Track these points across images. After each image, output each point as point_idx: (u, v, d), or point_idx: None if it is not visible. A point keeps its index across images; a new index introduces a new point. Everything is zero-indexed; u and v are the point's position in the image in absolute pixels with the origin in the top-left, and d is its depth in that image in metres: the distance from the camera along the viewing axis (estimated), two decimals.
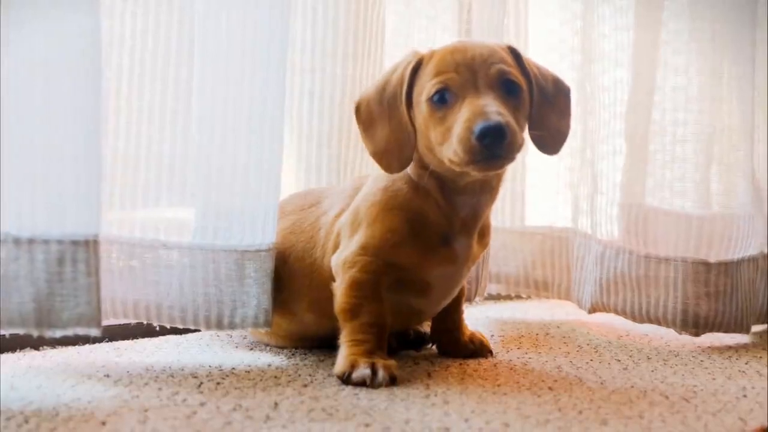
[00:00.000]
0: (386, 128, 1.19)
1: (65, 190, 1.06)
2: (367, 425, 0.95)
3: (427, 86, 1.15)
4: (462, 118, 1.10)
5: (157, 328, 1.32)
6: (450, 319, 1.34)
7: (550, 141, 1.23)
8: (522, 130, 1.16)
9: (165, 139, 1.26)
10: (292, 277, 1.27)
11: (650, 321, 1.53)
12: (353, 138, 1.52)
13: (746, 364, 1.34)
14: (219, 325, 1.24)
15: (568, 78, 1.66)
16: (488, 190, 1.22)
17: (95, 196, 1.09)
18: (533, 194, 1.78)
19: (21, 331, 1.06)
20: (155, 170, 1.26)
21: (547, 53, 1.75)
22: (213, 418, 0.97)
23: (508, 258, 1.72)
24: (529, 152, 1.74)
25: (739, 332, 1.52)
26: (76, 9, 1.06)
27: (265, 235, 1.25)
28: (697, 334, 1.51)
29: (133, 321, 1.26)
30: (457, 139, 1.10)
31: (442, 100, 1.14)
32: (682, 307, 1.49)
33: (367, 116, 1.21)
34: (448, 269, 1.22)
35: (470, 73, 1.13)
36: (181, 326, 1.26)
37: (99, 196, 1.10)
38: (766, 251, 1.62)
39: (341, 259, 1.21)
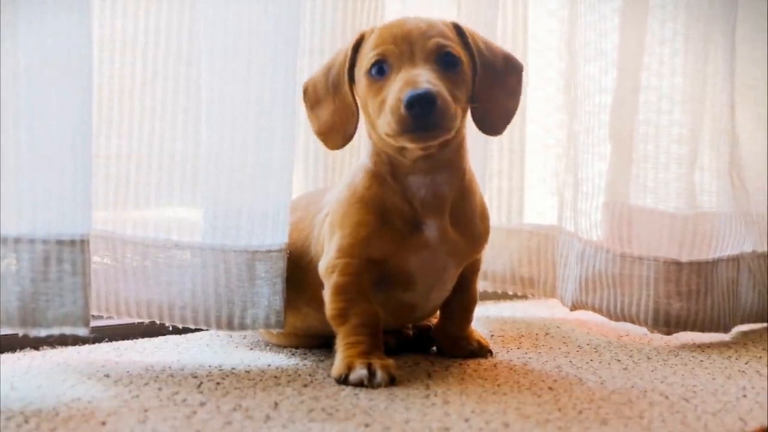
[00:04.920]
0: (330, 107, 1.22)
1: (52, 189, 1.07)
2: (367, 425, 0.95)
3: (365, 59, 1.17)
4: (394, 89, 1.11)
5: (158, 326, 1.32)
6: (454, 322, 1.33)
7: (495, 119, 1.23)
8: (460, 103, 1.15)
9: (177, 138, 1.27)
10: (295, 272, 1.27)
11: (625, 319, 1.53)
12: None
13: (746, 364, 1.34)
14: (230, 326, 1.25)
15: (565, 77, 1.68)
16: (443, 168, 1.20)
17: (83, 196, 1.09)
18: (525, 193, 1.77)
19: (6, 330, 1.07)
20: (167, 169, 1.27)
21: (544, 51, 1.75)
22: (213, 418, 0.97)
23: (495, 255, 1.72)
24: (527, 152, 1.77)
25: (716, 332, 1.52)
26: (64, 8, 1.06)
27: (275, 235, 1.25)
28: (668, 333, 1.51)
29: (146, 320, 1.27)
30: (389, 109, 1.11)
31: (380, 72, 1.15)
32: (654, 306, 1.50)
33: (313, 97, 1.24)
34: (424, 256, 1.20)
35: (407, 45, 1.14)
36: (192, 326, 1.26)
37: (88, 197, 1.10)
38: (761, 250, 1.62)
39: (323, 266, 1.21)
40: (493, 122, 1.24)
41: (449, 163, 1.21)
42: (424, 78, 1.10)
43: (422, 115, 1.08)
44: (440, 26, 1.18)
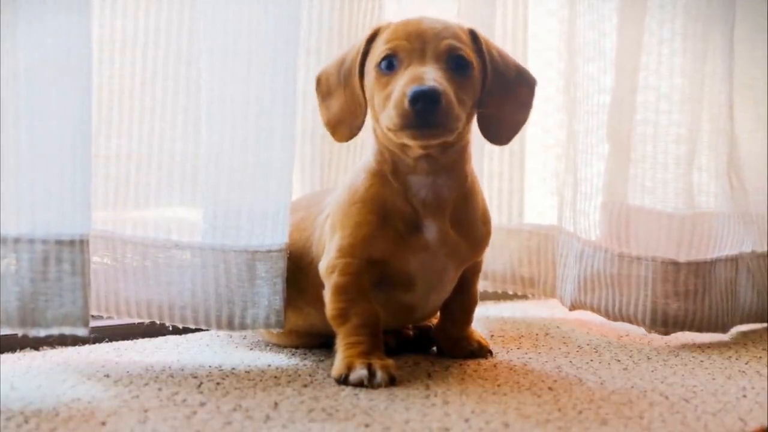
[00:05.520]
0: (341, 98, 1.22)
1: (52, 189, 1.07)
2: (367, 425, 0.96)
3: (377, 53, 1.17)
4: (400, 83, 1.11)
5: (158, 326, 1.32)
6: (455, 323, 1.33)
7: (502, 129, 1.24)
8: (465, 107, 1.16)
9: (176, 138, 1.27)
10: (296, 272, 1.28)
11: (623, 319, 1.53)
12: None
13: (746, 364, 1.34)
14: (230, 326, 1.25)
15: (564, 77, 1.67)
16: (445, 170, 1.20)
17: (83, 196, 1.09)
18: (526, 193, 1.77)
19: (6, 330, 1.07)
20: (167, 169, 1.27)
21: (544, 51, 1.75)
22: (213, 418, 0.97)
23: (495, 255, 1.72)
24: (527, 152, 1.77)
25: (714, 332, 1.53)
26: (64, 8, 1.06)
27: (275, 235, 1.25)
28: (666, 333, 1.51)
29: (146, 320, 1.27)
30: (393, 103, 1.11)
31: (390, 66, 1.15)
32: (651, 306, 1.50)
33: (325, 88, 1.25)
34: (424, 257, 1.20)
35: (420, 42, 1.15)
36: (192, 326, 1.27)
37: (88, 197, 1.10)
38: (760, 250, 1.63)
39: (324, 266, 1.21)
40: (499, 131, 1.24)
41: (451, 165, 1.21)
42: (431, 76, 1.10)
43: (424, 112, 1.08)
44: (455, 29, 1.18)
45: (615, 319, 1.54)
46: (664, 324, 1.50)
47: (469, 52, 1.17)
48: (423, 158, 1.18)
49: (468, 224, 1.24)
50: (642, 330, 1.54)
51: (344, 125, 1.22)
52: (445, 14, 1.57)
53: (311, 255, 1.27)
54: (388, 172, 1.21)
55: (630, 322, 1.53)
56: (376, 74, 1.16)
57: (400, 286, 1.23)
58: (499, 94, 1.21)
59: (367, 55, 1.20)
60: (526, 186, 1.76)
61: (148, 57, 1.27)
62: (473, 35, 1.21)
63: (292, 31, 1.25)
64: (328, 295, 1.20)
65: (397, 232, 1.19)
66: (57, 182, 1.07)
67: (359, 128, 1.21)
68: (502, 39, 1.68)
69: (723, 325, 1.54)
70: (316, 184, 1.52)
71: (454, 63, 1.15)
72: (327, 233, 1.24)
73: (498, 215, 1.73)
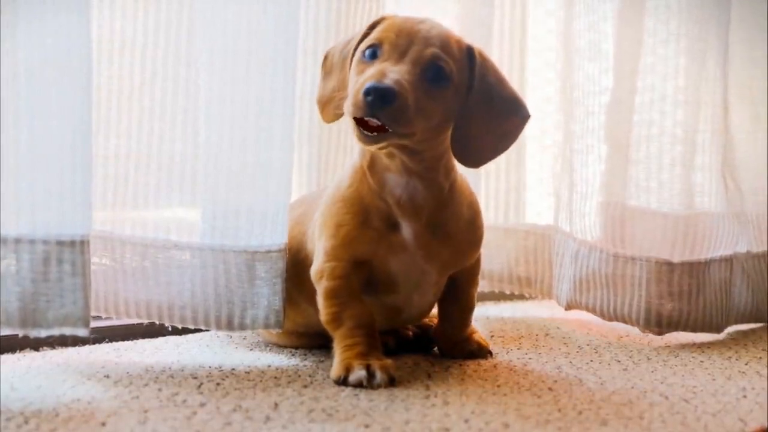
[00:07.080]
0: (336, 79, 1.22)
1: (52, 189, 1.06)
2: (366, 426, 0.95)
3: (367, 40, 1.16)
4: (367, 73, 1.11)
5: (158, 326, 1.33)
6: (453, 324, 1.33)
7: (473, 152, 1.20)
8: (431, 118, 1.13)
9: (176, 138, 1.27)
10: (295, 268, 1.28)
11: (617, 319, 1.54)
12: (333, 137, 1.53)
13: (746, 364, 1.34)
14: (230, 326, 1.25)
15: (561, 78, 1.67)
16: (418, 177, 1.18)
17: (83, 196, 1.09)
18: (524, 193, 1.77)
19: (6, 331, 1.07)
20: (166, 169, 1.27)
21: (543, 52, 1.75)
22: (213, 418, 0.97)
23: (492, 254, 1.72)
24: (526, 153, 1.77)
25: (708, 332, 1.53)
26: (64, 8, 1.06)
27: (275, 235, 1.25)
28: (660, 333, 1.52)
29: (146, 321, 1.27)
30: (353, 91, 1.10)
31: (373, 55, 1.15)
32: (645, 306, 1.50)
33: (329, 66, 1.25)
34: (403, 257, 1.20)
35: (407, 42, 1.14)
36: (192, 326, 1.27)
37: (88, 197, 1.10)
38: (756, 250, 1.63)
39: (313, 271, 1.22)
40: (469, 153, 1.20)
41: (422, 173, 1.19)
42: (394, 76, 1.09)
43: (374, 106, 1.07)
44: (449, 41, 1.16)
45: (609, 319, 1.55)
46: (658, 324, 1.51)
47: (452, 66, 1.14)
48: (395, 157, 1.17)
49: (448, 232, 1.22)
50: None
51: (332, 106, 1.22)
52: (444, 14, 1.58)
53: (306, 250, 1.27)
54: (367, 168, 1.20)
55: (624, 322, 1.53)
56: (358, 60, 1.16)
57: (383, 287, 1.22)
58: (481, 116, 1.18)
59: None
60: (524, 186, 1.76)
61: (147, 57, 1.27)
62: (469, 53, 1.18)
63: (291, 31, 1.25)
64: (320, 300, 1.20)
65: (376, 230, 1.19)
66: (57, 182, 1.07)
67: (342, 111, 1.19)
68: (500, 39, 1.67)
69: (717, 325, 1.54)
70: (313, 185, 1.52)
71: (432, 72, 1.13)
72: (316, 233, 1.24)
73: (495, 214, 1.73)
